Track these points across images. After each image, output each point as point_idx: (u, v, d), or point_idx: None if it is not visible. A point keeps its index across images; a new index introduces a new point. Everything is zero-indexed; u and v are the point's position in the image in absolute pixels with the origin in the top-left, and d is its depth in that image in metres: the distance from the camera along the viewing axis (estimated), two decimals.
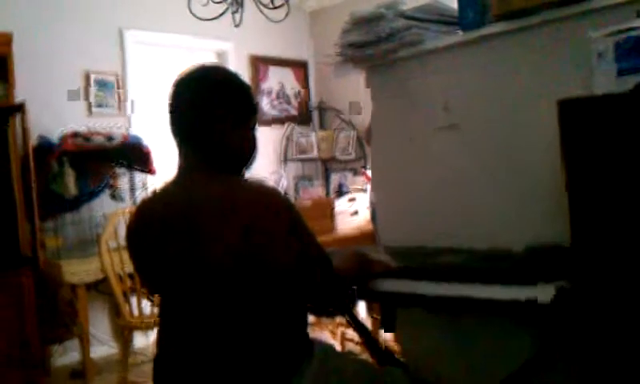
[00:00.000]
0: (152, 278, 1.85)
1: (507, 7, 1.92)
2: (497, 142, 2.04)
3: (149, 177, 4.94)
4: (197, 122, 1.73)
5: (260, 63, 6.43)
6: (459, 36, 2.10)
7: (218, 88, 1.76)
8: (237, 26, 4.18)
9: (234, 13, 4.18)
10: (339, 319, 3.97)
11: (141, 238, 1.79)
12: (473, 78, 2.09)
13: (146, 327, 4.02)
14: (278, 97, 6.66)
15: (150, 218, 1.76)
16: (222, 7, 4.20)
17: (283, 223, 1.66)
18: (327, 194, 6.39)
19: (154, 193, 1.81)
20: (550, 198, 1.80)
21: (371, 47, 2.18)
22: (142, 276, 1.98)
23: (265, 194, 1.70)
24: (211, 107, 1.72)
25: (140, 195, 4.87)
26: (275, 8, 4.28)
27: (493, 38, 2.00)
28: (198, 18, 4.15)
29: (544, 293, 1.52)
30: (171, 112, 1.77)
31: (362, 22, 2.20)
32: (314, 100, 6.99)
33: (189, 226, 1.65)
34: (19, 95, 4.17)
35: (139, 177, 5.00)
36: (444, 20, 2.20)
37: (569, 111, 1.50)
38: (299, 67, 6.88)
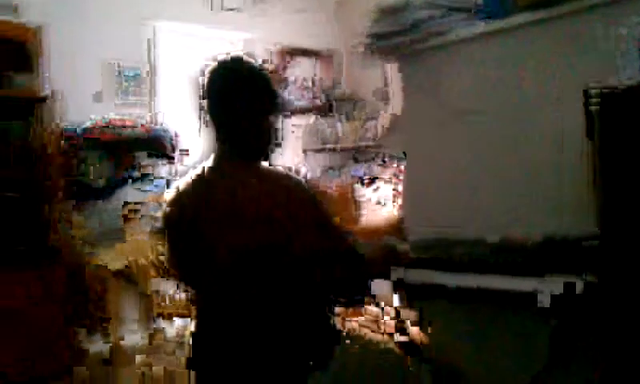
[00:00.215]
0: (186, 265, 1.88)
1: None
2: (521, 132, 2.03)
3: (175, 166, 4.98)
4: (224, 113, 1.76)
5: (285, 53, 6.43)
6: (485, 26, 2.09)
7: (244, 80, 1.79)
8: (262, 16, 4.19)
9: (259, 3, 4.18)
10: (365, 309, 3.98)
11: (175, 226, 1.82)
12: (498, 67, 2.08)
13: (175, 315, 4.05)
14: (303, 87, 6.66)
15: (183, 209, 1.79)
16: None
17: (309, 214, 1.68)
18: (351, 183, 6.37)
19: (187, 182, 1.84)
20: (574, 189, 1.79)
21: (397, 38, 2.18)
22: (175, 263, 2.01)
23: (292, 187, 1.72)
24: (238, 99, 1.75)
25: (168, 184, 4.91)
26: None
27: (519, 28, 1.99)
28: (221, 8, 4.16)
29: (553, 286, 1.52)
30: (201, 103, 1.80)
31: (387, 12, 2.20)
32: (339, 90, 6.97)
33: (220, 216, 1.67)
34: (47, 86, 4.22)
35: (166, 166, 5.04)
36: (470, 9, 2.18)
37: (608, 101, 1.48)
38: (325, 57, 6.86)
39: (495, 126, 2.11)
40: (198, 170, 1.83)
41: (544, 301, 1.62)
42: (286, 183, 1.73)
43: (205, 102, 1.79)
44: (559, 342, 1.77)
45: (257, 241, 1.64)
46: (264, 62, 1.90)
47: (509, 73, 2.05)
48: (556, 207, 1.93)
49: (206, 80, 1.80)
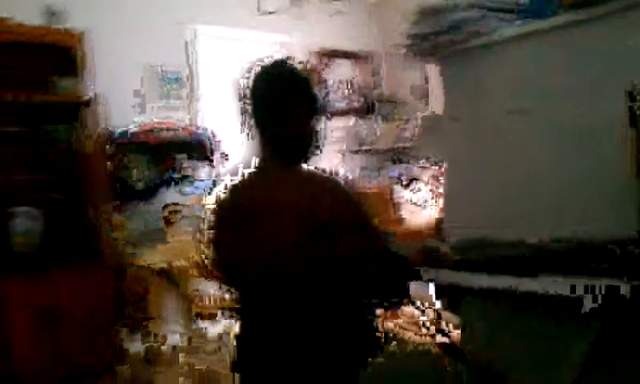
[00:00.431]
0: (230, 267, 1.90)
1: None
2: (567, 131, 2.00)
3: (216, 169, 5.04)
4: (268, 116, 1.76)
5: (324, 55, 6.45)
6: (530, 25, 2.07)
7: (291, 82, 1.79)
8: (301, 19, 4.21)
9: (298, 6, 4.20)
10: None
11: (220, 228, 1.85)
12: (543, 66, 2.06)
13: (216, 316, 4.09)
14: (341, 89, 6.67)
15: (227, 211, 1.82)
16: (287, 1, 4.23)
17: (351, 217, 1.69)
18: (389, 184, 6.35)
19: (231, 185, 1.85)
20: (620, 188, 1.77)
21: (438, 38, 2.17)
22: (219, 265, 2.03)
23: (336, 190, 1.72)
24: (282, 102, 1.75)
25: (209, 186, 4.96)
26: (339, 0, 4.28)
27: (564, 27, 1.97)
28: (263, 12, 4.19)
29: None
30: (245, 105, 1.80)
31: (428, 13, 2.20)
32: (377, 91, 6.97)
33: (263, 219, 1.69)
34: (91, 90, 4.30)
35: (206, 169, 5.10)
36: (514, 9, 2.16)
37: None
38: (363, 59, 6.86)
39: (537, 126, 2.09)
40: (242, 173, 1.84)
41: (587, 305, 1.60)
42: (328, 185, 1.73)
43: (248, 106, 1.80)
44: (602, 346, 1.74)
45: (300, 243, 1.65)
46: (303, 64, 1.89)
47: (552, 72, 2.03)
48: (598, 209, 1.91)
49: (248, 83, 1.80)
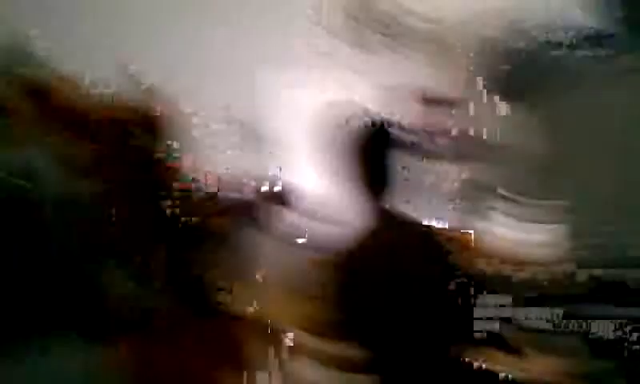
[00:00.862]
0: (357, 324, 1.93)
1: None
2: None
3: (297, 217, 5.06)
4: (382, 172, 1.77)
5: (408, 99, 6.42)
6: (619, 59, 2.05)
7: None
8: (367, 62, 4.22)
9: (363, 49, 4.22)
10: None
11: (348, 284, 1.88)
12: (628, 102, 2.04)
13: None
14: (431, 132, 6.62)
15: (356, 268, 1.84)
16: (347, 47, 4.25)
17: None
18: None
19: (357, 240, 1.88)
20: None
21: (524, 77, 2.17)
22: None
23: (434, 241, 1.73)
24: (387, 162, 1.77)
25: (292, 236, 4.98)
26: None
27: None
28: (320, 53, 4.22)
29: None
30: (349, 161, 1.83)
31: (513, 53, 2.21)
32: (465, 134, 6.89)
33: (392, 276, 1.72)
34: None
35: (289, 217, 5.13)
36: (596, 44, 2.15)
37: None
38: (447, 101, 6.80)
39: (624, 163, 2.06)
40: (362, 230, 1.85)
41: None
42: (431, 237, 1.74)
43: (354, 162, 1.81)
44: None
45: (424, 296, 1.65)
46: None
47: None
48: None
49: (352, 141, 1.81)
